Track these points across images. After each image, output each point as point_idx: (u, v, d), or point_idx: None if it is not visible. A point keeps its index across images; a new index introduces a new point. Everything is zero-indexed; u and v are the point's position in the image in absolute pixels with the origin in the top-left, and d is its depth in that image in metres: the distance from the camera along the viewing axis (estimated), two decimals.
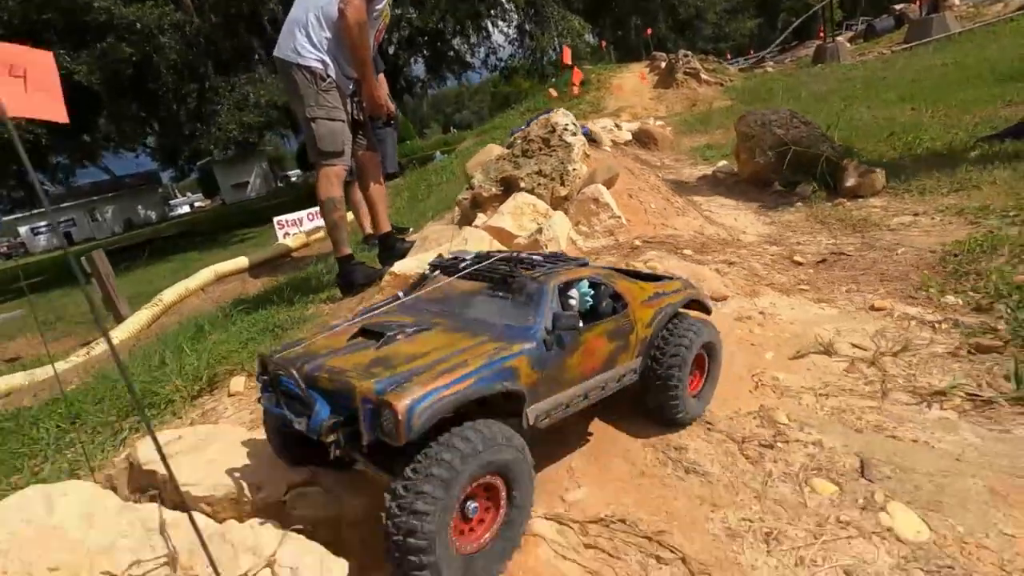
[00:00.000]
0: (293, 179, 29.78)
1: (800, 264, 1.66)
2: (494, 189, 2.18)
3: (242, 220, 14.50)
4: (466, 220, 2.24)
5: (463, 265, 0.92)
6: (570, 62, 7.07)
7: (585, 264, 0.93)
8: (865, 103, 5.79)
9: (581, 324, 0.80)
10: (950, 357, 1.05)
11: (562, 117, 2.26)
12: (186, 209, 35.18)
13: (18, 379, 3.53)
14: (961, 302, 1.24)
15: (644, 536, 0.60)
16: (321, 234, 6.62)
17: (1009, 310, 1.13)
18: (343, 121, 2.36)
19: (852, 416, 0.90)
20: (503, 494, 0.68)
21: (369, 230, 4.02)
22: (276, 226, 6.74)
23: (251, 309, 3.05)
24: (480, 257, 0.95)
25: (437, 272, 0.98)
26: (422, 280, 1.00)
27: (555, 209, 1.97)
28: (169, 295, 4.62)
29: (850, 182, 2.43)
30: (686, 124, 6.71)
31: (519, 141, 2.28)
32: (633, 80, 8.94)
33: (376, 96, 2.40)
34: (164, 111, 11.04)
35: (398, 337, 0.77)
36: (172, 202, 32.12)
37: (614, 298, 0.90)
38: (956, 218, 1.85)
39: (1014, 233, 1.54)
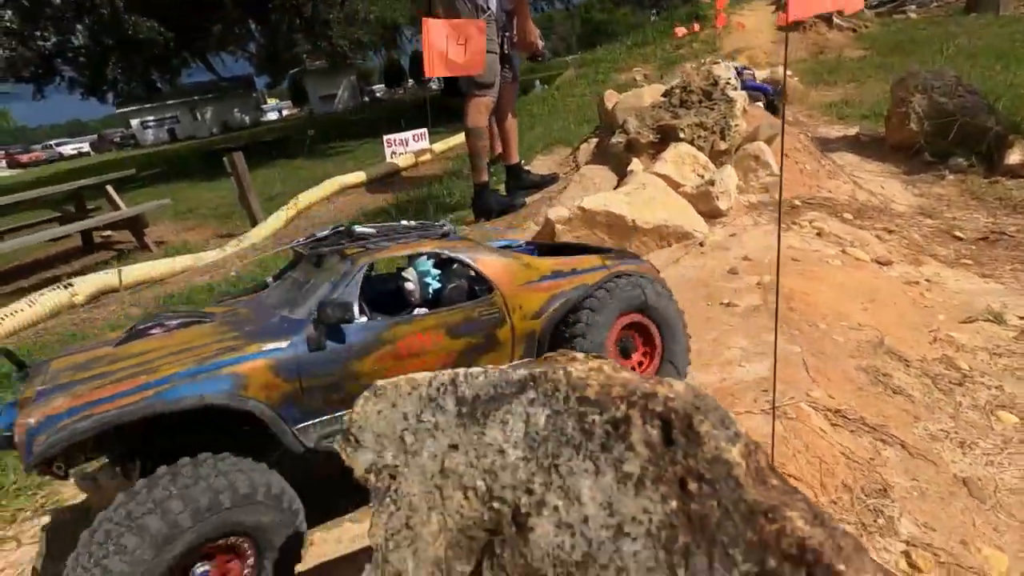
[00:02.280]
0: (378, 94, 30.08)
1: (960, 239, 1.76)
2: (651, 136, 2.33)
3: (336, 133, 15.08)
4: (618, 162, 2.42)
5: (306, 245, 0.74)
6: None
7: (446, 236, 0.75)
8: None
9: (414, 315, 0.63)
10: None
11: (724, 71, 2.34)
12: (275, 116, 36.40)
13: (184, 261, 4.12)
14: None
15: (871, 427, 0.84)
16: (427, 156, 6.92)
17: None
18: (496, 54, 2.52)
19: (1014, 363, 1.08)
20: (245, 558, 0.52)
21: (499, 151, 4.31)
22: (385, 144, 7.03)
23: (399, 218, 3.46)
24: (336, 236, 0.77)
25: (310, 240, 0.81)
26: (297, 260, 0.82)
27: (713, 162, 2.11)
28: (303, 199, 5.09)
29: (1012, 159, 2.39)
30: (812, 74, 6.32)
31: (677, 91, 2.39)
32: (756, 18, 8.36)
33: (530, 31, 2.58)
34: (276, 18, 11.40)
35: (152, 331, 0.63)
36: (263, 107, 33.41)
37: (475, 281, 0.70)
38: None
39: None
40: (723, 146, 2.17)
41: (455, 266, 0.66)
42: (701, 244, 1.65)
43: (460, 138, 7.76)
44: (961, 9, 9.44)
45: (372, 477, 0.34)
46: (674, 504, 0.29)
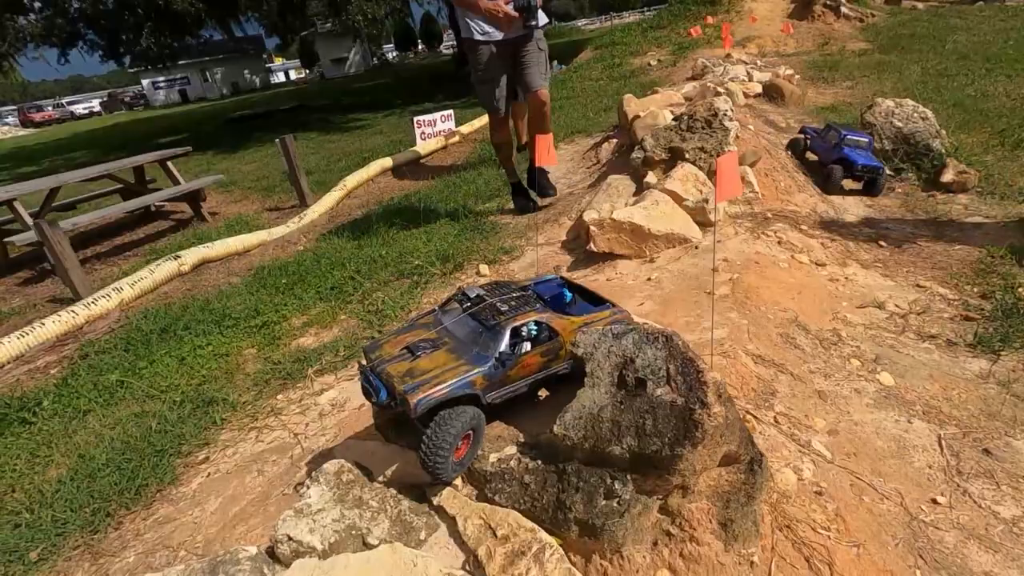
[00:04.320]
0: (389, 57, 30.03)
1: (881, 247, 2.49)
2: (663, 155, 3.02)
3: (351, 102, 15.49)
4: (636, 175, 3.11)
5: (466, 306, 1.27)
6: None
7: (543, 302, 1.29)
8: (1010, 69, 5.78)
9: (525, 349, 1.17)
10: (949, 320, 1.94)
11: (723, 103, 3.01)
12: (282, 77, 36.11)
13: (260, 236, 4.81)
14: (975, 290, 2.08)
15: (776, 364, 1.59)
16: (456, 139, 7.49)
17: (999, 300, 1.98)
18: (488, 80, 3.12)
19: (882, 339, 1.83)
20: (471, 437, 1.11)
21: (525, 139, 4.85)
22: (415, 126, 7.49)
23: (439, 205, 4.20)
24: (480, 297, 1.28)
25: (455, 301, 1.33)
26: (449, 300, 1.37)
27: (710, 180, 2.80)
28: (351, 181, 5.77)
29: (946, 178, 3.08)
30: (814, 67, 6.86)
31: (685, 118, 3.07)
32: (768, 7, 8.80)
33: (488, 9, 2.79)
34: None
35: (420, 355, 1.16)
36: (271, 67, 33.31)
37: (550, 332, 1.21)
38: (1015, 229, 2.57)
39: None
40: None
41: (543, 325, 1.22)
42: (696, 247, 2.38)
43: (485, 119, 8.34)
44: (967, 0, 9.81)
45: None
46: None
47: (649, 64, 8.86)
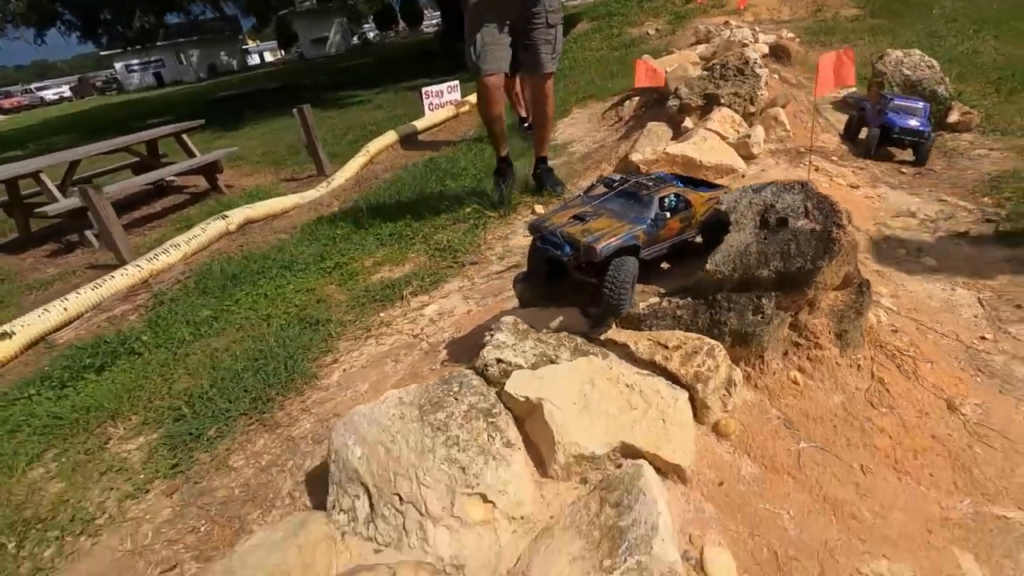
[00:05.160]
0: (370, 36, 29.61)
1: (904, 173, 2.83)
2: (699, 101, 3.31)
3: (340, 80, 15.44)
4: (673, 121, 3.40)
5: (615, 184, 1.52)
6: None
7: (676, 181, 1.59)
8: (996, 30, 6.17)
9: (667, 216, 1.40)
10: (972, 223, 2.28)
11: (752, 52, 3.30)
12: (257, 60, 35.30)
13: (293, 199, 4.99)
14: (990, 201, 2.43)
15: None
16: (466, 108, 7.66)
17: (1012, 206, 2.32)
18: (481, 29, 2.67)
19: (920, 237, 2.16)
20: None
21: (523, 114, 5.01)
22: (423, 96, 7.63)
23: (469, 164, 4.41)
24: (624, 178, 1.53)
25: (600, 185, 1.59)
26: (592, 187, 1.62)
27: (745, 121, 3.10)
28: (373, 147, 5.95)
29: (952, 119, 3.43)
30: (810, 34, 7.18)
31: (718, 67, 3.35)
32: None
33: None
34: None
35: (588, 219, 1.38)
36: (248, 49, 32.62)
37: (685, 202, 1.45)
38: (1016, 155, 2.92)
39: None
40: (752, 109, 3.17)
41: (680, 197, 1.48)
42: (743, 176, 2.69)
43: None
44: None
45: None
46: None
47: (648, 33, 9.11)
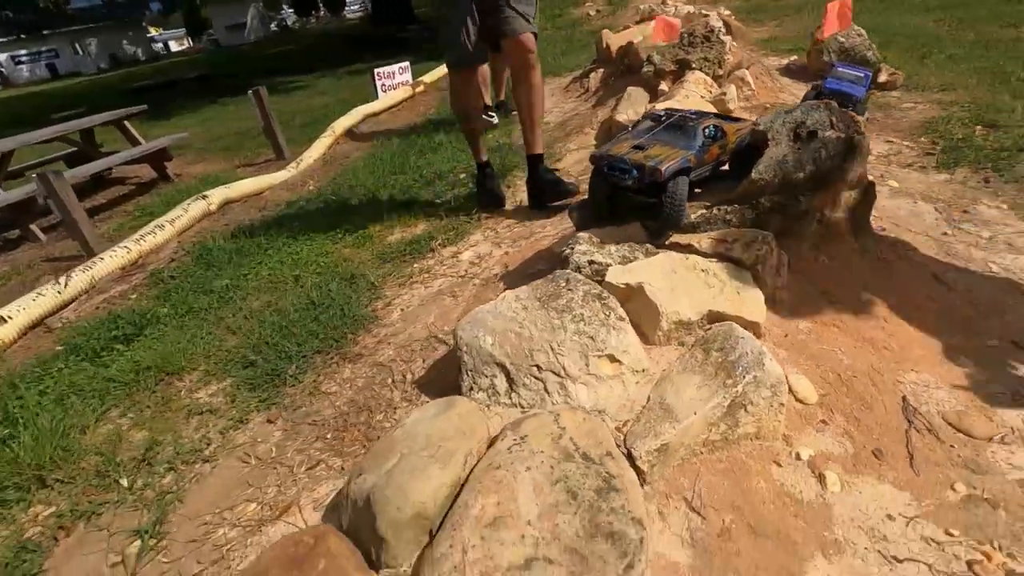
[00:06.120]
0: (289, 23, 28.48)
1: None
2: (672, 66, 3.66)
3: (270, 68, 14.90)
4: (649, 86, 3.74)
5: (662, 118, 1.76)
6: None
7: (711, 115, 1.80)
8: (900, 8, 7.01)
9: (709, 143, 1.64)
10: (916, 157, 2.75)
11: (716, 21, 3.69)
12: (161, 48, 33.11)
13: (268, 179, 4.98)
14: (926, 140, 2.93)
15: None
16: (421, 88, 7.74)
17: (944, 143, 2.82)
18: (460, 13, 2.32)
19: (875, 167, 2.60)
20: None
21: (501, 97, 5.09)
22: (375, 78, 7.65)
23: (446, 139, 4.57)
24: (669, 113, 1.79)
25: (647, 120, 1.84)
26: (638, 122, 1.89)
27: (716, 83, 3.48)
28: (339, 126, 5.96)
29: (882, 78, 3.98)
30: (745, 12, 7.82)
31: (686, 35, 3.72)
32: None
33: None
34: None
35: (647, 148, 1.62)
36: (154, 37, 30.50)
37: (722, 132, 1.68)
38: (937, 106, 3.48)
39: (963, 114, 3.19)
40: (720, 72, 3.57)
41: (717, 127, 1.69)
42: None
43: (442, 69, 8.63)
44: None
45: None
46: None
47: (589, 14, 9.52)
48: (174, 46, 34.35)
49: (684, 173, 1.65)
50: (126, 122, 6.30)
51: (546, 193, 2.57)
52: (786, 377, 1.30)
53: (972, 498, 1.10)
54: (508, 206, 3.00)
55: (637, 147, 1.71)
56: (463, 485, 1.10)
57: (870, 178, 1.70)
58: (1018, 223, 2.08)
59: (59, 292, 3.13)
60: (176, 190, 5.49)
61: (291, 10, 29.46)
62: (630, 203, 1.83)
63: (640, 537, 0.97)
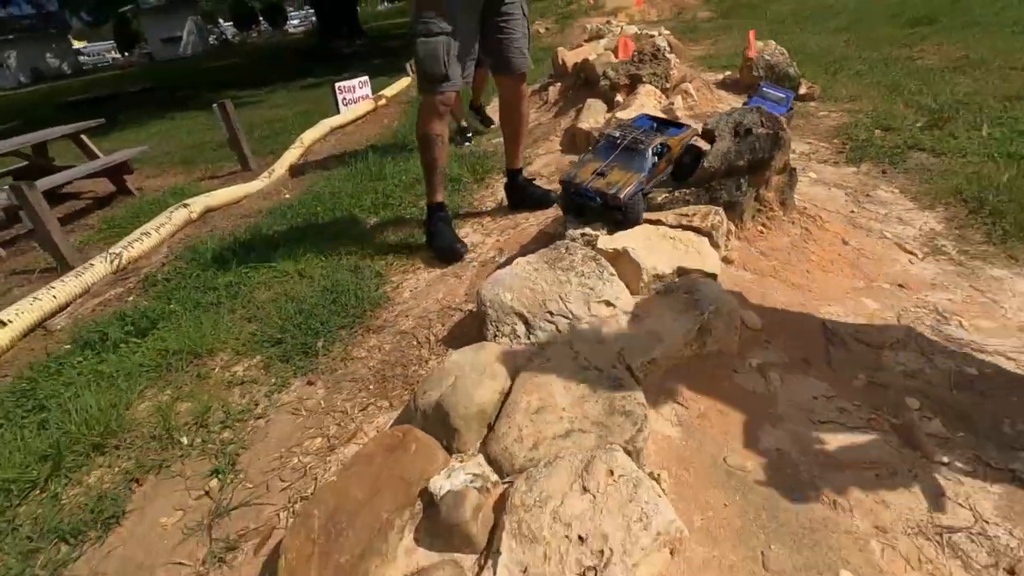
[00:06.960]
0: (228, 37, 27.97)
1: None
2: (626, 80, 4.17)
3: (216, 81, 14.74)
4: (606, 97, 4.23)
5: (617, 140, 2.03)
6: None
7: (659, 125, 2.12)
8: (815, 28, 7.92)
9: (657, 160, 1.94)
10: (831, 155, 3.34)
11: (661, 41, 4.23)
12: (86, 59, 31.75)
13: (245, 188, 5.16)
14: (838, 142, 3.53)
15: None
16: (383, 102, 8.04)
17: (852, 143, 3.43)
18: (445, 32, 2.17)
19: (799, 163, 3.16)
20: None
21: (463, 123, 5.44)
22: (336, 92, 7.88)
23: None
24: (623, 135, 2.03)
25: (603, 140, 2.07)
26: (597, 140, 2.12)
27: (664, 94, 4.00)
28: (307, 137, 6.20)
29: (802, 91, 4.64)
30: (677, 32, 8.57)
31: (636, 54, 4.25)
32: None
33: None
34: None
35: (606, 174, 1.90)
36: (81, 50, 29.25)
37: (667, 147, 1.94)
38: (847, 114, 4.14)
39: (867, 120, 3.84)
40: (667, 85, 4.11)
41: (664, 145, 1.98)
42: None
43: (404, 81, 8.95)
44: None
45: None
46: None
47: (539, 31, 10.11)
48: (97, 58, 33.02)
49: (638, 191, 2.09)
50: (83, 136, 6.29)
51: (527, 202, 2.95)
52: (738, 310, 1.74)
53: (870, 384, 1.56)
54: (490, 205, 3.38)
55: (598, 174, 2.10)
56: (507, 393, 1.47)
57: (793, 166, 2.19)
58: (907, 203, 2.65)
59: (54, 297, 3.25)
60: (143, 202, 5.56)
61: (230, 24, 29.01)
62: (597, 212, 2.26)
63: (644, 414, 1.36)
